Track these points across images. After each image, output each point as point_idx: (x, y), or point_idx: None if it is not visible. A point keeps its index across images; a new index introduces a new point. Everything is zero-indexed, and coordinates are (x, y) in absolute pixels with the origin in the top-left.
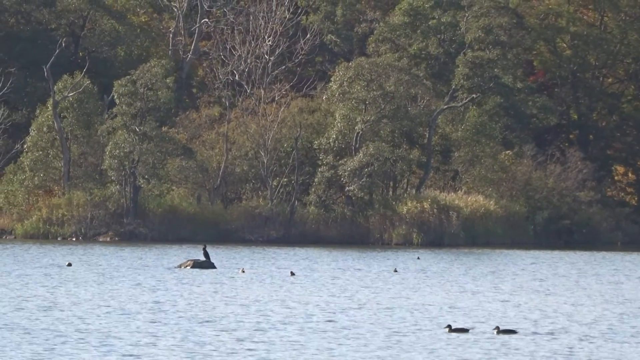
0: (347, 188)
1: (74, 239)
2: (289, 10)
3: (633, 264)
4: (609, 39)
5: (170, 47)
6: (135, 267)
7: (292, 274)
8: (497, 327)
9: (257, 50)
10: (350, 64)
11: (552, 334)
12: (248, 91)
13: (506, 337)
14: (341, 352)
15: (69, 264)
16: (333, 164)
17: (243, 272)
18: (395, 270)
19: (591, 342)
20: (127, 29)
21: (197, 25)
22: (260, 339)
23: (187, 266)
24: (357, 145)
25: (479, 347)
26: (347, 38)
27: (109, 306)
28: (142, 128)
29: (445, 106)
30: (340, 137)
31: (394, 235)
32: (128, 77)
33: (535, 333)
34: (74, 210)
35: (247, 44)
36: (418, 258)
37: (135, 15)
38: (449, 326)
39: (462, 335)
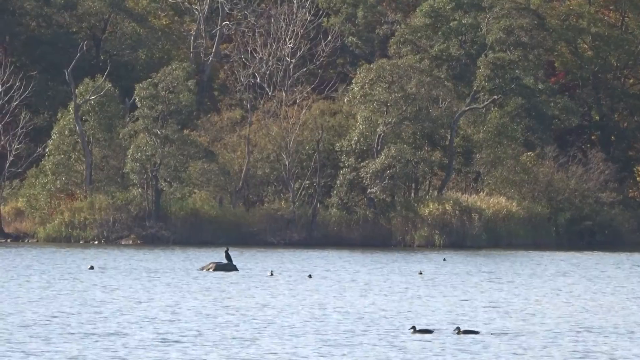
0: (369, 190)
1: (96, 242)
2: (309, 12)
3: None
4: (630, 39)
5: (191, 50)
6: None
7: (310, 276)
8: (458, 328)
9: (279, 53)
10: (371, 66)
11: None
12: (269, 93)
13: (466, 337)
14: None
15: (91, 267)
16: (355, 166)
17: (271, 274)
18: (420, 273)
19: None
20: (149, 31)
21: (218, 27)
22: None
23: (209, 269)
24: (379, 147)
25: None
26: (368, 40)
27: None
28: (163, 131)
29: (467, 108)
30: (361, 139)
31: (416, 237)
32: (149, 80)
33: (493, 334)
34: (96, 213)
35: (269, 47)
36: (444, 260)
37: (156, 18)
38: (413, 327)
39: (426, 336)
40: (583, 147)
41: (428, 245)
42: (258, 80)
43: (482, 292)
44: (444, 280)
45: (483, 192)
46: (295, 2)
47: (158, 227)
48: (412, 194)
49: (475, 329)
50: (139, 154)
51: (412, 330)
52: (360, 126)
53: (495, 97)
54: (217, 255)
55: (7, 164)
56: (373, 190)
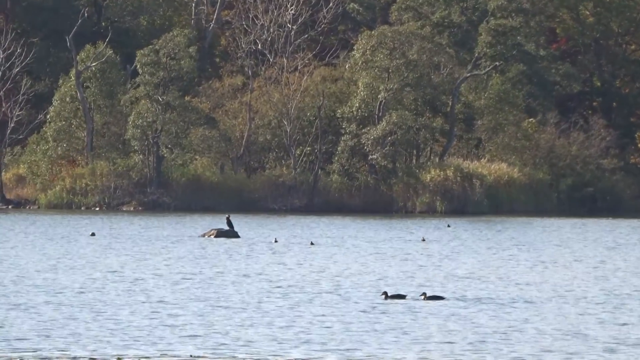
0: (370, 156)
1: (97, 209)
2: None
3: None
4: (631, 5)
5: (192, 17)
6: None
7: (312, 243)
8: (424, 294)
9: (280, 19)
10: (373, 32)
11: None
12: (271, 60)
13: (433, 303)
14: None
15: (93, 234)
16: (356, 132)
17: (276, 241)
18: (423, 240)
19: (516, 308)
20: None
21: None
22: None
23: (210, 235)
24: (380, 114)
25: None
26: (369, 6)
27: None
28: (165, 98)
29: (468, 74)
30: (363, 105)
31: (418, 204)
32: (151, 46)
33: (460, 299)
34: (97, 180)
35: (270, 13)
36: (448, 226)
37: None
38: (385, 293)
39: (399, 302)
40: (584, 113)
41: (429, 211)
42: (259, 46)
43: (482, 259)
44: (447, 246)
45: (484, 158)
46: None
47: (159, 194)
48: (414, 161)
49: (441, 295)
50: (140, 121)
51: (384, 296)
52: (362, 93)
53: (497, 63)
54: (219, 222)
55: (9, 131)
56: (374, 156)
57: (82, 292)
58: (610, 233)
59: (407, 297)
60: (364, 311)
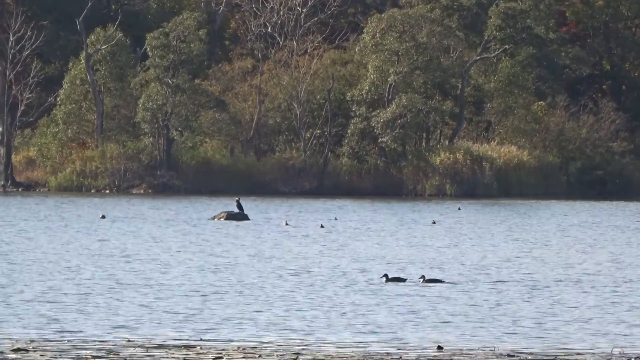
0: (380, 139)
1: (107, 192)
2: None
3: None
4: None
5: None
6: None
7: (321, 226)
8: (423, 277)
9: (290, 2)
10: (382, 15)
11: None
12: (281, 43)
13: (432, 285)
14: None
15: (103, 217)
16: (366, 115)
17: (287, 224)
18: (434, 222)
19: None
20: None
21: None
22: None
23: (221, 218)
24: (390, 97)
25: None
26: None
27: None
28: (174, 80)
29: (478, 57)
30: (372, 88)
31: (427, 187)
32: (160, 29)
33: (456, 283)
34: (107, 162)
35: None
36: (459, 209)
37: None
38: (386, 275)
39: (400, 284)
40: (594, 96)
41: (439, 194)
42: (269, 29)
43: (487, 241)
44: (456, 229)
45: (494, 141)
46: None
47: (169, 176)
48: (423, 144)
49: (439, 278)
50: (150, 103)
51: (384, 278)
52: (372, 76)
53: (507, 46)
54: (229, 205)
55: (19, 114)
56: (384, 139)
57: (110, 276)
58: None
59: (407, 281)
60: (367, 293)
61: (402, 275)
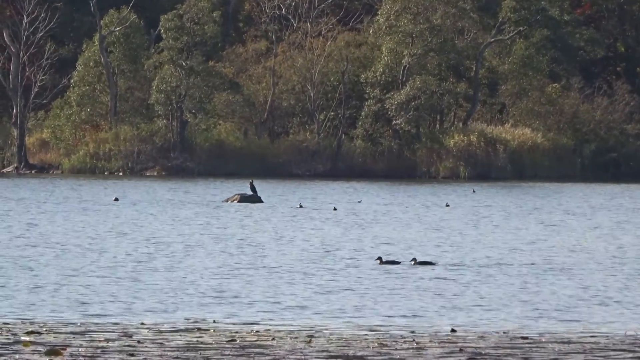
0: (394, 121)
1: (120, 174)
2: None
3: None
4: None
5: None
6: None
7: (335, 209)
8: (414, 259)
9: None
10: None
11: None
12: (295, 25)
13: (423, 268)
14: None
15: (116, 199)
16: (380, 97)
17: (301, 207)
18: (447, 205)
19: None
20: None
21: None
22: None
23: (234, 200)
24: (404, 79)
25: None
26: None
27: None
28: (188, 62)
29: (492, 39)
30: (387, 70)
31: (441, 169)
32: (174, 11)
33: (452, 265)
34: (121, 144)
35: None
36: (473, 191)
37: None
38: (380, 258)
39: (393, 267)
40: (608, 78)
41: (453, 176)
42: (283, 11)
43: (504, 226)
44: (470, 212)
45: (508, 123)
46: None
47: (183, 159)
48: (437, 126)
49: (432, 260)
50: (164, 86)
51: (378, 261)
52: (386, 57)
53: (521, 28)
54: (242, 187)
55: (32, 95)
56: (398, 121)
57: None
58: None
59: (401, 263)
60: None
61: (430, 259)
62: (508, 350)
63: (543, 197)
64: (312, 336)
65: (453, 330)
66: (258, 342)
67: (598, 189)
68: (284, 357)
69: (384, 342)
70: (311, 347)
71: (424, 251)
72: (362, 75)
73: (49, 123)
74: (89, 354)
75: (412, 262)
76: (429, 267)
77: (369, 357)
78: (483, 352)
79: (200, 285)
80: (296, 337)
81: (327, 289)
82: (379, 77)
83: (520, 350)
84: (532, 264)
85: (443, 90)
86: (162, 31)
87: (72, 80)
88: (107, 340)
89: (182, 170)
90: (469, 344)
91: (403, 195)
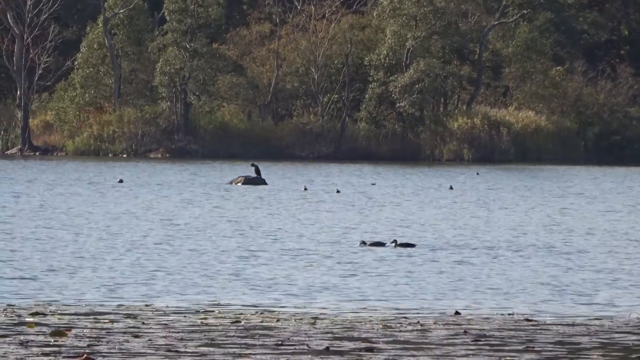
0: (397, 104)
1: (124, 156)
2: None
3: None
4: None
5: None
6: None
7: (338, 191)
8: (395, 241)
9: None
10: None
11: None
12: (298, 7)
13: (404, 250)
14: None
15: (121, 181)
16: (384, 80)
17: (305, 189)
18: (451, 188)
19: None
20: None
21: None
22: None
23: (238, 182)
24: (408, 62)
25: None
26: None
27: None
28: (192, 45)
29: (496, 22)
30: (390, 53)
31: (445, 152)
32: None
33: (417, 247)
34: (124, 127)
35: None
36: (477, 174)
37: None
38: (363, 242)
39: (378, 249)
40: (612, 61)
41: (457, 159)
42: None
43: (505, 208)
44: (478, 195)
45: (512, 106)
46: None
47: (187, 141)
48: (441, 108)
49: (412, 242)
50: (168, 68)
51: (361, 244)
52: (389, 40)
53: (525, 11)
54: (246, 169)
55: (36, 77)
56: (402, 104)
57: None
58: None
59: (386, 245)
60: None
61: (411, 242)
62: (512, 332)
63: (551, 180)
64: (316, 318)
65: (457, 313)
66: (262, 324)
67: (606, 171)
68: (288, 338)
69: (388, 324)
70: (316, 328)
71: (435, 233)
72: (366, 58)
73: (53, 105)
74: (94, 335)
75: (393, 245)
76: (410, 248)
77: (373, 339)
78: (487, 334)
79: (206, 267)
80: (301, 319)
81: (333, 272)
82: (382, 60)
83: (524, 332)
84: (540, 246)
85: (447, 73)
86: (165, 13)
87: (76, 63)
88: (112, 321)
89: (185, 153)
90: (474, 326)
91: (409, 178)
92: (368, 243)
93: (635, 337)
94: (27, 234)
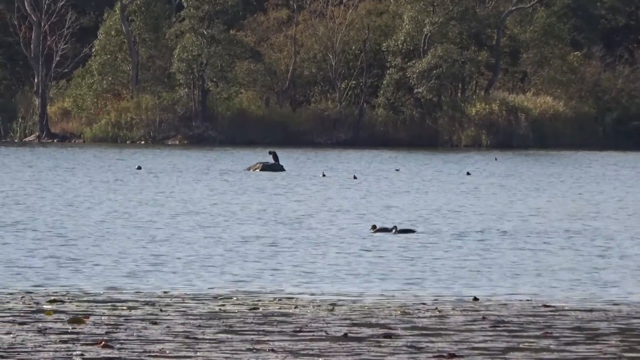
0: (415, 90)
1: (142, 142)
2: None
3: None
4: None
5: None
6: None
7: (355, 177)
8: (395, 227)
9: None
10: None
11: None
12: None
13: (405, 236)
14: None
15: (139, 167)
16: (401, 66)
17: (324, 175)
18: (468, 174)
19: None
20: None
21: None
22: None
23: (256, 169)
24: (425, 47)
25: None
26: None
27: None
28: (210, 31)
29: (514, 7)
30: (408, 39)
31: (463, 137)
32: None
33: (435, 233)
34: (142, 113)
35: None
36: (495, 159)
37: None
38: (374, 226)
39: (385, 235)
40: (630, 47)
41: (475, 145)
42: None
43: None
44: (492, 182)
45: (530, 92)
46: None
47: (204, 127)
48: (459, 94)
49: (412, 228)
50: (185, 54)
51: (372, 229)
52: (407, 26)
53: None
54: (264, 156)
55: (54, 64)
56: (420, 90)
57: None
58: None
59: (393, 231)
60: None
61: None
62: (530, 318)
63: (572, 165)
64: (334, 304)
65: (476, 299)
66: (281, 310)
67: (628, 157)
68: (306, 325)
69: (406, 310)
70: (334, 315)
71: (456, 219)
72: (384, 44)
73: (71, 92)
74: (112, 322)
75: (394, 231)
76: (410, 234)
77: (391, 325)
78: (506, 320)
79: (223, 254)
80: (319, 305)
81: (352, 258)
82: (400, 46)
83: (542, 317)
84: (559, 232)
85: (464, 59)
86: (183, 0)
87: (93, 49)
88: (130, 308)
89: (203, 139)
90: (492, 311)
91: (423, 163)
92: (375, 229)
93: None
94: (45, 221)
